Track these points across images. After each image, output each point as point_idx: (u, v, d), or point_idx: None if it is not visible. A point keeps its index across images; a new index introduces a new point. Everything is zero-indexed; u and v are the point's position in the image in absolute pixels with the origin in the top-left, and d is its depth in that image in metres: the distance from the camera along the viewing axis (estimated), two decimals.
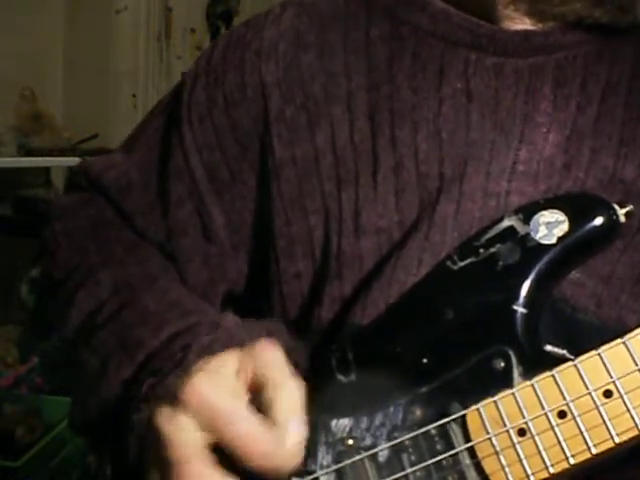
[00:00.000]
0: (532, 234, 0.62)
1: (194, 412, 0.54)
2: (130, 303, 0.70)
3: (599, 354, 0.57)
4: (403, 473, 0.60)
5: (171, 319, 0.66)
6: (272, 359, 0.55)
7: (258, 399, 0.55)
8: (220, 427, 0.53)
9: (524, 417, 0.57)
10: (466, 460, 0.58)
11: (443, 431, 0.60)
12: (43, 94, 3.49)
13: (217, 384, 0.55)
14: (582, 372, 0.57)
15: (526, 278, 0.61)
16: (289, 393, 0.54)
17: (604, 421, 0.55)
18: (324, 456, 0.62)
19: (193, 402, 0.54)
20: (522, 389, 0.58)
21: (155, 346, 0.64)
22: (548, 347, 0.60)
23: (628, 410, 0.55)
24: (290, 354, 0.58)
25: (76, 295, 0.72)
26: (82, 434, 0.72)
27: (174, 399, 0.55)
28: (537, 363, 0.59)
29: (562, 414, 0.57)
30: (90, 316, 0.71)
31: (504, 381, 0.59)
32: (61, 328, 0.73)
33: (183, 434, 0.53)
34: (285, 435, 0.52)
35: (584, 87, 0.67)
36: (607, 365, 0.56)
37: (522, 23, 0.70)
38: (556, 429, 0.56)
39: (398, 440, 0.61)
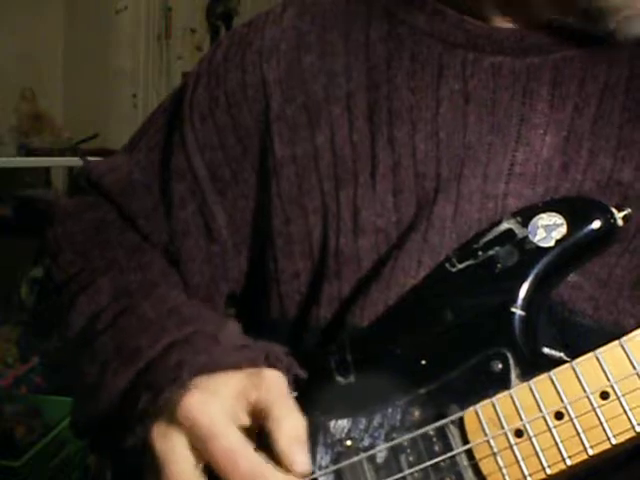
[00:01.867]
0: (530, 237, 0.62)
1: (187, 430, 0.55)
2: (128, 310, 0.69)
3: (596, 356, 0.57)
4: (401, 474, 0.60)
5: (169, 327, 0.66)
6: (276, 389, 0.57)
7: (259, 426, 0.56)
8: (204, 444, 0.55)
9: (521, 418, 0.58)
10: (464, 461, 0.59)
11: (441, 432, 0.60)
12: (43, 94, 3.49)
13: (211, 403, 0.56)
14: (579, 374, 0.57)
15: (524, 281, 0.62)
16: (293, 425, 0.56)
17: (601, 423, 0.56)
18: (322, 457, 0.62)
19: (186, 420, 0.56)
20: (519, 390, 0.58)
21: (152, 356, 0.64)
22: (545, 349, 0.60)
23: (625, 412, 0.55)
24: (289, 375, 0.60)
25: (77, 299, 0.72)
26: (82, 437, 0.72)
27: (170, 416, 0.57)
28: (535, 365, 0.59)
29: (559, 415, 0.57)
30: (90, 321, 0.71)
31: (502, 383, 0.59)
32: (62, 330, 0.73)
33: (176, 452, 0.55)
34: (290, 463, 0.54)
35: (582, 88, 0.67)
36: (604, 367, 0.56)
37: (514, 23, 0.70)
38: (553, 430, 0.57)
39: (396, 441, 0.61)
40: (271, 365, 0.61)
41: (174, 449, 0.56)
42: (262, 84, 0.76)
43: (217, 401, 0.57)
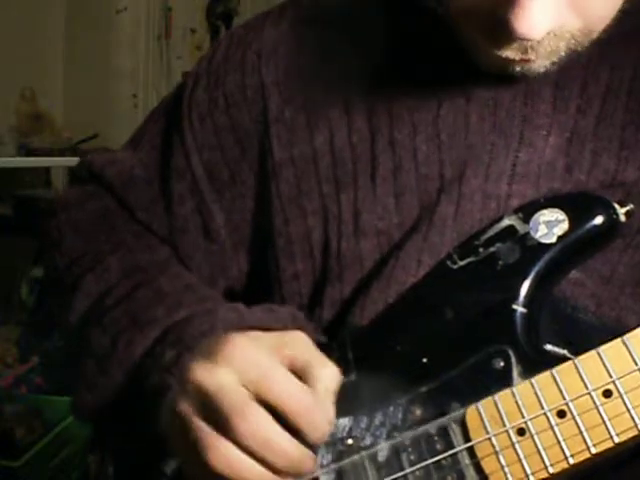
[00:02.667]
0: (532, 233, 0.62)
1: (236, 366, 0.56)
2: (142, 285, 0.70)
3: (599, 353, 0.57)
4: (402, 473, 0.60)
5: (187, 301, 0.67)
6: (309, 347, 0.59)
7: None
8: (264, 381, 0.55)
9: (523, 416, 0.57)
10: (465, 460, 0.58)
11: (443, 430, 0.60)
12: (43, 94, 3.49)
13: (258, 344, 0.57)
14: (582, 371, 0.57)
15: (526, 277, 0.61)
16: (330, 373, 0.58)
17: (604, 421, 0.55)
18: (324, 455, 0.62)
19: (236, 356, 0.56)
20: (521, 388, 0.58)
21: (170, 324, 0.65)
22: (548, 346, 0.60)
23: (628, 410, 0.55)
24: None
25: (83, 279, 0.73)
26: (85, 419, 0.72)
27: (213, 358, 0.57)
28: (537, 362, 0.59)
29: (561, 414, 0.57)
30: (99, 299, 0.71)
31: (504, 380, 0.59)
32: (66, 313, 0.73)
33: (228, 386, 0.55)
34: (324, 406, 0.56)
35: (584, 90, 0.67)
36: (607, 364, 0.56)
37: None
38: (555, 429, 0.56)
39: (398, 439, 0.61)
40: (297, 328, 0.63)
41: (226, 383, 0.56)
42: (260, 86, 0.76)
43: (262, 345, 0.58)
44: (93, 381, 0.67)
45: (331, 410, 0.57)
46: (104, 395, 0.67)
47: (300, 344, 0.59)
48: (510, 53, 0.61)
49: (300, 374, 0.57)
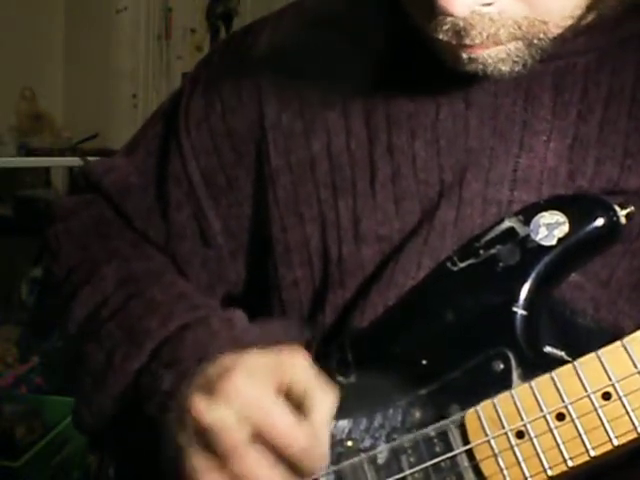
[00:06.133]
0: (532, 235, 0.62)
1: (234, 403, 0.55)
2: (136, 295, 0.70)
3: (598, 356, 0.57)
4: (401, 475, 0.60)
5: (179, 311, 0.67)
6: (306, 371, 0.57)
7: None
8: (261, 421, 0.54)
9: (522, 419, 0.57)
10: (464, 462, 0.58)
11: (442, 433, 0.60)
12: (43, 94, 3.50)
13: (254, 378, 0.56)
14: (581, 374, 0.57)
15: (526, 280, 0.61)
16: (326, 402, 0.56)
17: (603, 424, 0.55)
18: None
19: (233, 392, 0.55)
20: (520, 390, 0.58)
21: (164, 336, 0.65)
22: (548, 349, 0.60)
23: (627, 413, 0.55)
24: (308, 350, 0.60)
25: (80, 290, 0.73)
26: (86, 433, 0.72)
27: (209, 390, 0.56)
28: (536, 365, 0.59)
29: (561, 416, 0.57)
30: (95, 310, 0.71)
31: (503, 383, 0.59)
32: (63, 324, 0.73)
33: (228, 424, 0.55)
34: (320, 439, 0.55)
35: (585, 95, 0.66)
36: (606, 367, 0.56)
37: None
38: (555, 431, 0.56)
39: (397, 442, 0.61)
40: (291, 342, 0.61)
41: (224, 420, 0.55)
42: (257, 91, 0.75)
43: (258, 377, 0.57)
44: (90, 398, 0.68)
45: (326, 442, 0.56)
46: (101, 411, 0.67)
47: (297, 369, 0.58)
48: (443, 36, 0.60)
49: (297, 401, 0.56)
